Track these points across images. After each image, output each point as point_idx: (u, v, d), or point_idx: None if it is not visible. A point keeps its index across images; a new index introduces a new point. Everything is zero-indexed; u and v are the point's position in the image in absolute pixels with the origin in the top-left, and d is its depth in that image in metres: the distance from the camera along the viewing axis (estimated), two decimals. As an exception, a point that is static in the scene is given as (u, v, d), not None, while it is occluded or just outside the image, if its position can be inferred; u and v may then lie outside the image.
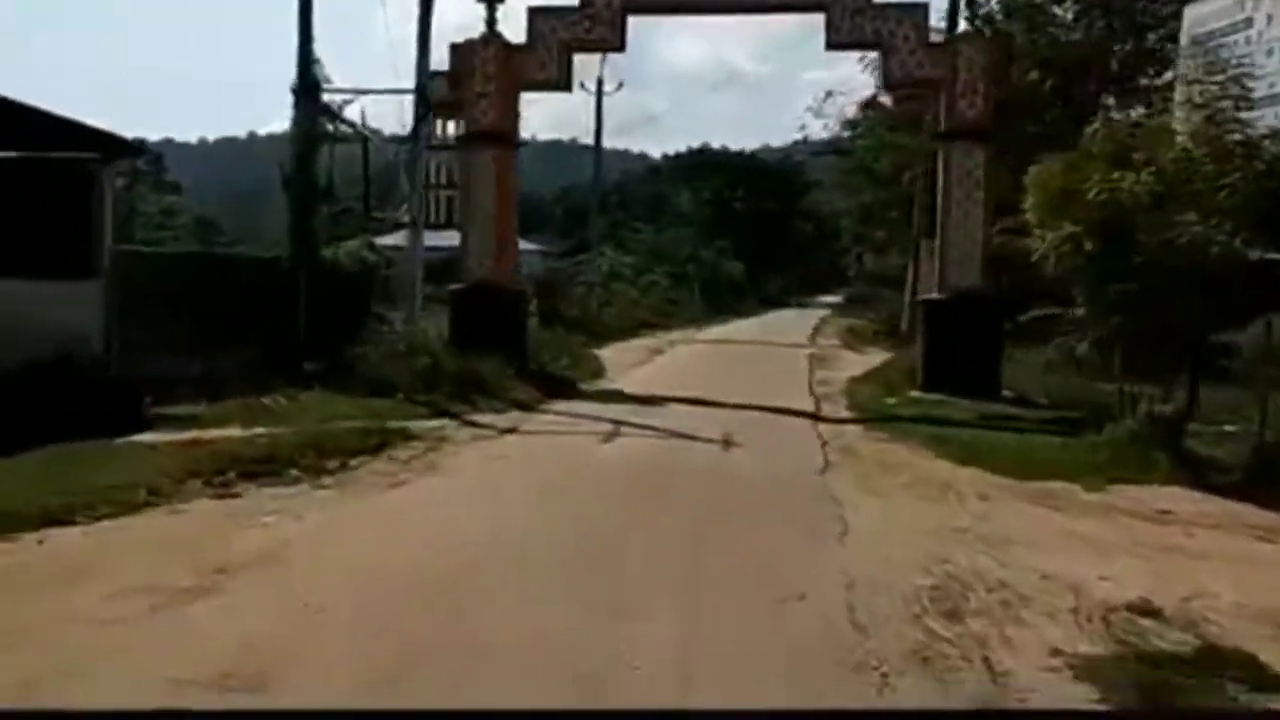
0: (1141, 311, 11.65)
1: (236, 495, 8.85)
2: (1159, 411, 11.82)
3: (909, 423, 14.22)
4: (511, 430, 13.04)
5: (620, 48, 18.39)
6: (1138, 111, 23.82)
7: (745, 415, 14.96)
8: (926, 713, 4.88)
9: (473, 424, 13.30)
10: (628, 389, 18.20)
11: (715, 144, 78.99)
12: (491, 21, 18.36)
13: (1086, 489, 9.98)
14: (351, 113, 18.92)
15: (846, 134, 63.93)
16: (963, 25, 18.07)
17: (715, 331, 37.88)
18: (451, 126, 59.25)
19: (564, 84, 18.56)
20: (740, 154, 78.68)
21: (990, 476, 10.57)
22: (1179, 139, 12.07)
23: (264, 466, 9.74)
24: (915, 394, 17.38)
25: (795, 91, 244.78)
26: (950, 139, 17.59)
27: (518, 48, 18.32)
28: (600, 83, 33.08)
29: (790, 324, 46.83)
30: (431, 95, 17.46)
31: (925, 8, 18.03)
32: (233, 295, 15.73)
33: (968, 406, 15.84)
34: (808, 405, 16.52)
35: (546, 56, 18.24)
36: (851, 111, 42.47)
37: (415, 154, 17.44)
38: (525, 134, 19.57)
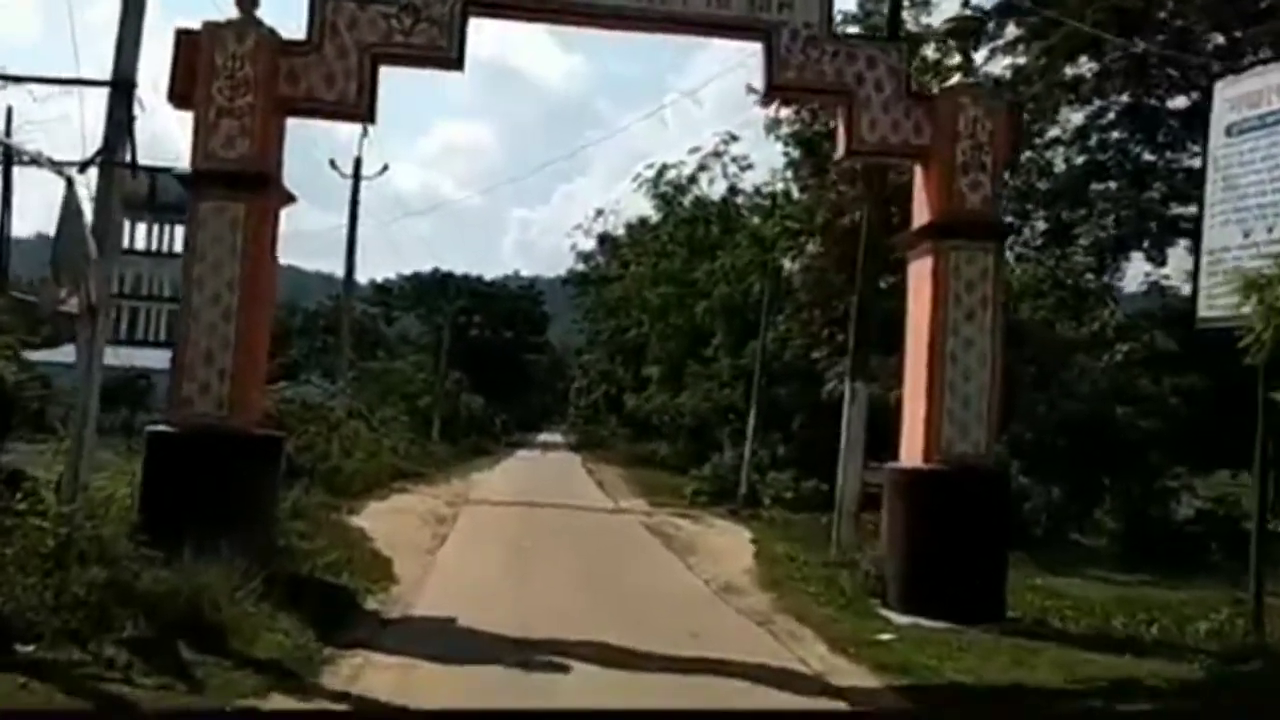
0: None
1: None
2: None
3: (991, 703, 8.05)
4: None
5: (456, 63, 11.68)
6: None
7: (703, 685, 8.34)
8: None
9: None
10: (446, 607, 11.08)
11: (423, 270, 71.86)
12: (250, 1, 11.34)
13: None
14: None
15: (582, 266, 60.06)
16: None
17: (485, 483, 30.73)
18: (142, 232, 49.54)
19: (364, 110, 11.55)
20: (480, 279, 72.61)
21: None
22: None
23: None
24: (895, 616, 11.41)
25: (502, 224, 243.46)
26: (942, 235, 11.97)
27: (293, 46, 11.31)
28: (359, 163, 25.97)
29: (556, 471, 40.21)
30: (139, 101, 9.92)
31: (904, 46, 12.68)
32: None
33: (1006, 645, 10.23)
34: (766, 645, 10.02)
35: (339, 64, 11.30)
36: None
37: (108, 184, 9.40)
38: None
